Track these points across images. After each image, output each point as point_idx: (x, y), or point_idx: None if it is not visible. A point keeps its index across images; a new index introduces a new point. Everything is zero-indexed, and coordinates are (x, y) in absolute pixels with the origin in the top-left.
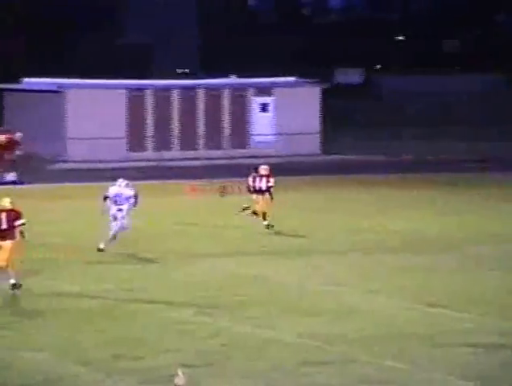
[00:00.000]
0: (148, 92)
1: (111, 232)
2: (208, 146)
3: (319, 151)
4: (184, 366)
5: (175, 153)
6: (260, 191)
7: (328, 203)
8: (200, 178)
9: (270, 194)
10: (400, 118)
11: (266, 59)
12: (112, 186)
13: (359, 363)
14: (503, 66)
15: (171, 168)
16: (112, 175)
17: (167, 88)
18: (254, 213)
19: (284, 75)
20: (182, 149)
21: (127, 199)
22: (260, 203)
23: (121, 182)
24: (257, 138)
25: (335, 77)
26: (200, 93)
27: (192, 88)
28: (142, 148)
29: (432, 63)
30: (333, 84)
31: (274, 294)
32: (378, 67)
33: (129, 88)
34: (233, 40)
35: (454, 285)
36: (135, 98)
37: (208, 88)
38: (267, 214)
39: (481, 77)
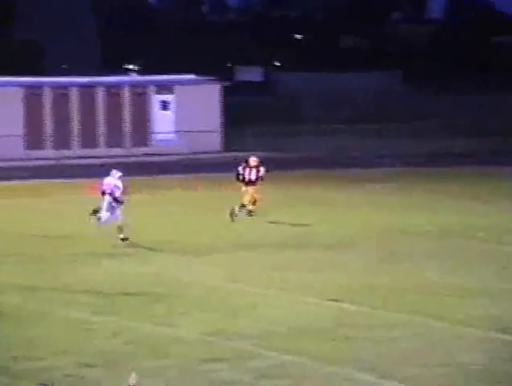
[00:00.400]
0: (46, 89)
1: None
2: (108, 144)
3: (220, 148)
4: (86, 366)
5: (74, 152)
6: (249, 182)
7: (228, 201)
8: (101, 176)
9: (260, 181)
10: (298, 115)
11: (166, 57)
12: (107, 177)
13: (260, 358)
14: (398, 63)
15: (71, 166)
16: (8, 174)
17: (66, 86)
18: (242, 206)
19: (184, 73)
20: (82, 147)
21: (115, 187)
22: (249, 193)
23: (115, 173)
24: (158, 136)
25: (235, 75)
26: (100, 91)
27: (92, 86)
28: (41, 146)
29: (330, 61)
30: (233, 82)
31: (177, 292)
32: (277, 64)
33: (26, 86)
34: (133, 38)
35: (352, 280)
36: (33, 96)
37: (107, 85)
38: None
39: (377, 74)
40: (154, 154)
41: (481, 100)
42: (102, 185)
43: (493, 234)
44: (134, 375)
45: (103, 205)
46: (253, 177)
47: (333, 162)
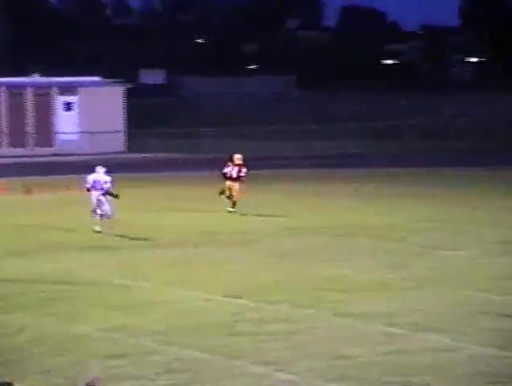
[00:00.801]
0: None
1: (98, 215)
2: (12, 145)
3: (124, 149)
4: None
5: None
6: (232, 178)
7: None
8: (5, 176)
9: (242, 182)
10: (200, 117)
11: (70, 58)
12: (91, 174)
13: (161, 353)
14: (294, 68)
15: None
16: None
17: None
18: (228, 197)
19: (89, 75)
20: None
21: (104, 183)
22: (235, 188)
23: (100, 168)
24: (62, 137)
25: (139, 78)
26: (1, 92)
27: None
28: None
29: (231, 65)
30: (137, 85)
31: (81, 289)
32: (180, 67)
33: None
34: (36, 39)
35: (250, 276)
36: None
37: (9, 86)
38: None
39: (276, 78)
40: (58, 155)
41: (372, 103)
42: (89, 182)
43: (389, 232)
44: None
45: (94, 201)
46: (234, 174)
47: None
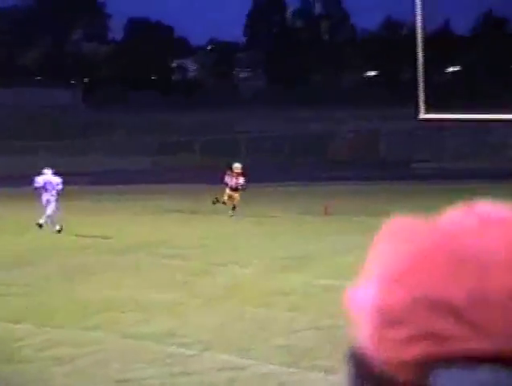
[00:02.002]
0: None
1: (46, 214)
2: None
3: None
4: None
5: None
6: (232, 188)
7: None
8: None
9: (243, 190)
10: None
11: None
12: (39, 176)
13: None
14: (79, 80)
15: None
16: None
17: None
18: (224, 203)
19: None
20: None
21: (56, 185)
22: (235, 196)
23: (48, 170)
24: None
25: None
26: None
27: None
28: None
29: (9, 75)
30: None
31: None
32: None
33: None
34: None
35: (30, 299)
36: None
37: None
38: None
39: (61, 90)
40: None
41: (161, 118)
42: (39, 182)
43: (173, 249)
44: None
45: (44, 202)
46: (233, 183)
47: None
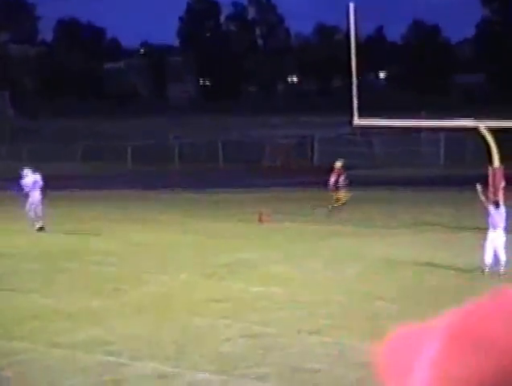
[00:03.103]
0: None
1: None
2: None
3: None
4: None
5: None
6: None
7: None
8: None
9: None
10: None
11: None
12: (25, 178)
13: None
14: (7, 83)
15: None
16: None
17: None
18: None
19: None
20: None
21: (36, 183)
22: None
23: (27, 170)
24: None
25: None
26: None
27: None
28: None
29: None
30: None
31: None
32: None
33: None
34: None
35: None
36: None
37: None
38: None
39: None
40: None
41: (93, 123)
42: (27, 185)
43: (102, 257)
44: None
45: (36, 202)
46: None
47: None
